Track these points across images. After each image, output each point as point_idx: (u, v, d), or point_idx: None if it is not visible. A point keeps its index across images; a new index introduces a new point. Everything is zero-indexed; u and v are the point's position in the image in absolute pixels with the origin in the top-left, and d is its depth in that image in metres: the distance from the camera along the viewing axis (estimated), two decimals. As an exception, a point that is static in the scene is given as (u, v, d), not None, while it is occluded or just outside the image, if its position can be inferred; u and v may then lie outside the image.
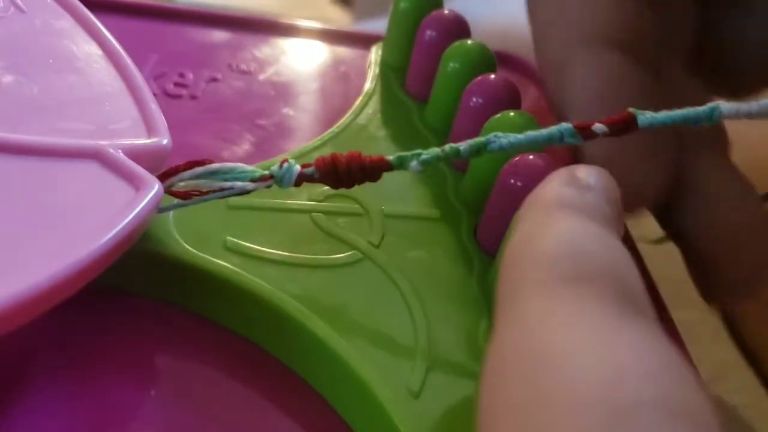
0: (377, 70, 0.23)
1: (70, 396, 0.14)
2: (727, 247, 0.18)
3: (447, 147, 0.15)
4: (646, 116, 0.14)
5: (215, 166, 0.15)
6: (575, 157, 0.22)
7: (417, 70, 0.22)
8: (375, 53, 0.24)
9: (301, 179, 0.15)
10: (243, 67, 0.23)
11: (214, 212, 0.17)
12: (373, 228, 0.17)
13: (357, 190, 0.17)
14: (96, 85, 0.17)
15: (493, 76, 0.19)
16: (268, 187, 0.15)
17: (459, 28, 0.21)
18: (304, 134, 0.21)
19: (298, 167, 0.15)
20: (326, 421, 0.15)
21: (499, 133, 0.15)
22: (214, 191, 0.15)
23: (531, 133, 0.15)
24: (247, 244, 0.16)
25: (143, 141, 0.16)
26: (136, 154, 0.15)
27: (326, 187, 0.18)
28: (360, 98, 0.22)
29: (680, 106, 0.14)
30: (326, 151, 0.19)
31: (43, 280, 0.12)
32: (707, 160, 0.18)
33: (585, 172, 0.13)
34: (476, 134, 0.17)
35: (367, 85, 0.23)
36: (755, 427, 0.24)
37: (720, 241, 0.18)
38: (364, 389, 0.14)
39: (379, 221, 0.17)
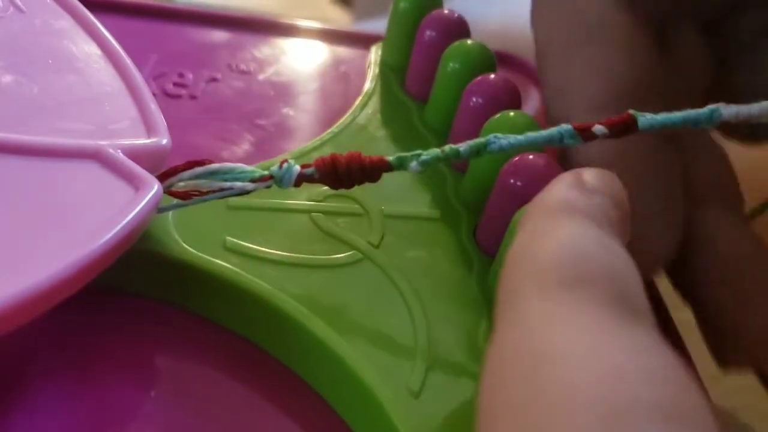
0: (377, 70, 0.23)
1: (70, 396, 0.14)
2: (743, 308, 0.17)
3: (447, 148, 0.15)
4: (646, 118, 0.14)
5: (215, 166, 0.15)
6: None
7: (417, 70, 0.22)
8: (375, 53, 0.24)
9: (300, 179, 0.15)
10: (242, 67, 0.23)
11: (214, 212, 0.17)
12: (372, 228, 0.17)
13: (357, 190, 0.17)
14: (95, 85, 0.17)
15: (492, 76, 0.19)
16: (268, 187, 0.15)
17: (459, 28, 0.21)
18: (304, 134, 0.21)
19: (297, 167, 0.15)
20: (326, 421, 0.15)
21: (499, 134, 0.15)
22: (214, 191, 0.15)
23: (531, 134, 0.15)
24: (247, 244, 0.16)
25: (143, 141, 0.16)
26: (135, 154, 0.15)
27: (326, 187, 0.18)
28: (360, 98, 0.22)
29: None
30: (326, 151, 0.19)
31: (42, 280, 0.12)
32: (719, 215, 0.18)
33: (591, 175, 0.13)
34: (476, 134, 0.17)
35: (367, 85, 0.23)
36: (755, 428, 0.24)
37: (735, 302, 0.17)
38: (364, 389, 0.14)
39: (379, 221, 0.17)
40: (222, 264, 0.16)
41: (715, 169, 0.18)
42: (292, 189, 0.16)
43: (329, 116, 0.22)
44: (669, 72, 0.18)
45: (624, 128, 0.14)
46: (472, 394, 0.14)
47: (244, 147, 0.20)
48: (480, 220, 0.18)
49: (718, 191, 0.18)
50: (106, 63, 0.18)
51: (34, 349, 0.15)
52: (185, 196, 0.15)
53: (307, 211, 0.17)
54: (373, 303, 0.16)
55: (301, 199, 0.18)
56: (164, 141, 0.16)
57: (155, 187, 0.14)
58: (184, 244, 0.16)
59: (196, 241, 0.16)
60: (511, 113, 0.17)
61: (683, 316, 0.18)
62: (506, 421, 0.09)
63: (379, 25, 0.28)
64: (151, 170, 0.15)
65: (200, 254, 0.16)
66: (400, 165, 0.15)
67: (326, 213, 0.17)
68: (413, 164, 0.15)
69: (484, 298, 0.16)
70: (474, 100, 0.19)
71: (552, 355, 0.09)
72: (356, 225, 0.17)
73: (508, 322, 0.10)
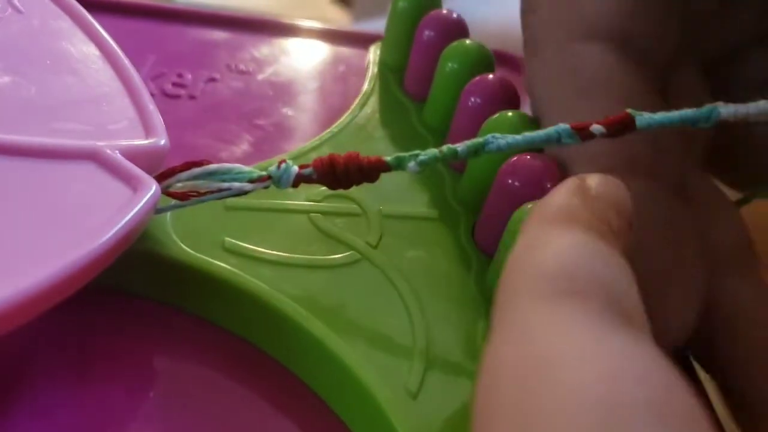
0: (376, 70, 0.23)
1: (69, 395, 0.14)
2: None
3: (444, 148, 0.15)
4: (644, 117, 0.14)
5: (213, 166, 0.15)
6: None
7: (415, 70, 0.22)
8: (373, 53, 0.24)
9: (299, 180, 0.15)
10: (241, 67, 0.23)
11: (212, 213, 0.17)
12: (371, 228, 0.17)
13: (355, 190, 0.17)
14: (93, 85, 0.17)
15: (491, 75, 0.19)
16: (266, 187, 0.15)
17: (457, 28, 0.21)
18: (303, 134, 0.21)
19: (295, 168, 0.15)
20: (324, 421, 0.15)
21: (497, 134, 0.15)
22: (212, 192, 0.15)
23: (528, 134, 0.15)
24: (245, 245, 0.16)
25: (141, 142, 0.16)
26: (133, 155, 0.15)
27: (324, 188, 0.18)
28: (358, 98, 0.22)
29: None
30: (325, 151, 0.19)
31: (41, 281, 0.12)
32: (741, 284, 0.17)
33: (595, 181, 0.13)
34: (474, 134, 0.17)
35: (366, 85, 0.23)
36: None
37: (762, 372, 0.16)
38: (363, 390, 0.14)
39: (377, 221, 0.17)
40: (220, 264, 0.16)
41: (734, 234, 0.17)
42: (291, 189, 0.16)
43: (328, 116, 0.22)
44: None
45: (622, 128, 0.14)
46: (471, 394, 0.14)
47: (243, 147, 0.20)
48: (478, 220, 0.18)
49: (737, 257, 0.17)
50: (104, 63, 0.18)
51: (34, 349, 0.15)
52: (183, 196, 0.15)
53: (306, 212, 0.17)
54: (372, 303, 0.16)
55: (300, 199, 0.18)
56: (162, 141, 0.16)
57: (153, 187, 0.14)
58: (183, 245, 0.16)
59: (195, 241, 0.16)
60: (510, 113, 0.17)
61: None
62: (504, 423, 0.09)
63: (377, 25, 0.28)
64: (149, 171, 0.15)
65: (198, 255, 0.16)
66: (398, 165, 0.15)
67: (324, 213, 0.17)
68: (411, 164, 0.15)
69: (482, 297, 0.16)
70: (472, 99, 0.19)
71: (548, 359, 0.09)
72: (354, 225, 0.17)
73: (504, 327, 0.10)
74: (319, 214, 0.17)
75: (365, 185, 0.15)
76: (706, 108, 0.14)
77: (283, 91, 0.23)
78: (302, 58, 0.24)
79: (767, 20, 0.18)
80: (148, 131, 0.16)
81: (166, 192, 0.15)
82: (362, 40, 0.25)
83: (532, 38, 0.17)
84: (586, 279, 0.10)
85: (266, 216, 0.17)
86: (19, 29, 0.18)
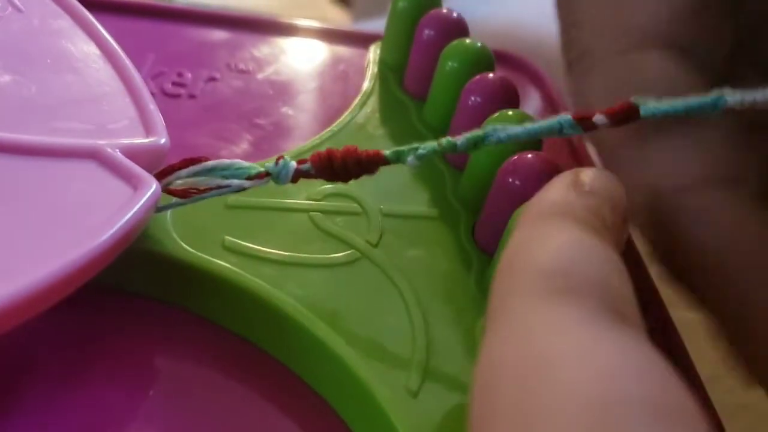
0: (376, 69, 0.23)
1: (69, 396, 0.14)
2: None
3: (443, 141, 0.15)
4: (648, 106, 0.14)
5: (211, 163, 0.15)
6: (574, 156, 0.22)
7: (415, 69, 0.22)
8: (373, 52, 0.24)
9: (297, 175, 0.15)
10: (241, 66, 0.23)
11: (212, 211, 0.17)
12: (371, 227, 0.17)
13: (355, 189, 0.17)
14: (94, 84, 0.17)
15: (491, 75, 0.19)
16: (266, 183, 0.15)
17: (457, 27, 0.21)
18: (303, 133, 0.21)
19: (294, 163, 0.15)
20: (325, 420, 0.15)
21: (498, 126, 0.15)
22: (212, 189, 0.15)
23: (529, 126, 0.14)
24: (245, 244, 0.16)
25: (141, 140, 0.16)
26: (133, 154, 0.15)
27: (325, 186, 0.18)
28: (358, 97, 0.22)
29: None
30: (324, 151, 0.19)
31: (41, 279, 0.12)
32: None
33: (590, 176, 0.13)
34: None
35: (366, 84, 0.23)
36: (755, 428, 0.24)
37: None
38: (363, 389, 0.14)
39: (378, 220, 0.17)
40: (220, 263, 0.16)
41: None
42: (291, 188, 0.16)
43: (328, 115, 0.22)
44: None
45: (625, 117, 0.14)
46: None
47: (243, 146, 0.20)
48: (478, 219, 0.18)
49: None
50: (104, 62, 0.18)
51: (34, 348, 0.15)
52: (183, 194, 0.15)
53: (306, 210, 0.17)
54: (372, 302, 0.16)
55: (300, 198, 0.18)
56: (163, 140, 0.16)
57: (153, 186, 0.14)
58: (183, 244, 0.16)
59: (195, 240, 0.16)
60: (510, 112, 0.17)
61: (683, 316, 0.18)
62: (503, 422, 0.09)
63: (377, 24, 0.28)
64: (149, 170, 0.15)
65: (199, 253, 0.16)
66: (397, 159, 0.15)
67: (325, 212, 0.17)
68: (410, 158, 0.15)
69: (482, 296, 0.16)
70: (472, 99, 0.19)
71: (545, 358, 0.09)
72: (355, 224, 0.17)
73: (499, 327, 0.10)
74: (319, 213, 0.17)
75: (365, 185, 0.15)
76: (712, 96, 0.13)
77: (283, 90, 0.23)
78: (302, 58, 0.24)
79: None
80: (148, 130, 0.16)
81: (166, 190, 0.15)
82: (362, 40, 0.25)
83: (579, 54, 0.17)
84: (580, 276, 0.10)
85: (266, 215, 0.17)
86: (20, 28, 0.18)
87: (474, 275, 0.17)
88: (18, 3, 0.18)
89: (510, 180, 0.16)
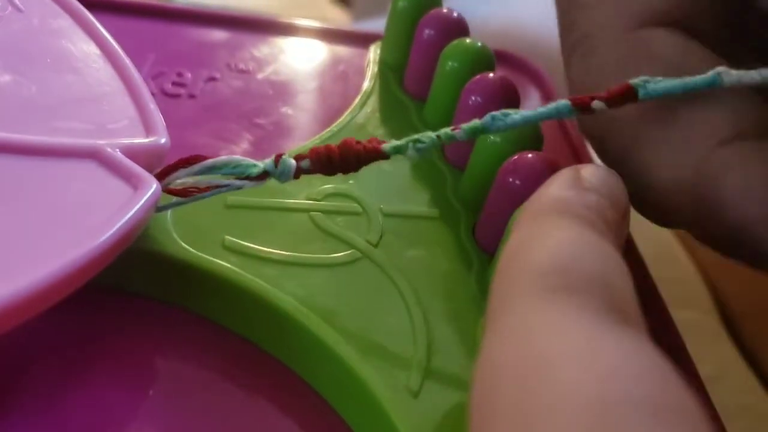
0: (376, 69, 0.23)
1: (69, 396, 0.14)
2: None
3: (442, 132, 0.15)
4: (646, 87, 0.14)
5: (211, 161, 0.15)
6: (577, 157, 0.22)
7: (415, 69, 0.22)
8: (373, 52, 0.24)
9: (298, 172, 0.15)
10: (241, 66, 0.23)
11: (212, 211, 0.17)
12: (371, 227, 0.17)
13: (355, 189, 0.17)
14: (94, 84, 0.17)
15: (491, 74, 0.19)
16: (267, 180, 0.15)
17: (457, 26, 0.21)
18: (303, 133, 0.21)
19: (293, 161, 0.15)
20: (325, 420, 0.15)
21: (496, 114, 0.15)
22: (212, 187, 0.15)
23: (527, 112, 0.14)
24: (246, 243, 0.16)
25: (141, 140, 0.16)
26: (134, 154, 0.15)
27: (325, 186, 0.18)
28: (358, 97, 0.22)
29: None
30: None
31: (41, 279, 0.12)
32: None
33: (590, 173, 0.13)
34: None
35: (366, 84, 0.23)
36: (755, 428, 0.24)
37: None
38: (363, 389, 0.14)
39: (378, 220, 0.17)
40: (221, 263, 0.16)
41: None
42: (291, 188, 0.16)
43: (328, 115, 0.22)
44: None
45: (622, 99, 0.14)
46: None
47: (243, 146, 0.20)
48: (479, 219, 0.18)
49: None
50: (104, 62, 0.18)
51: (34, 348, 0.15)
52: (184, 193, 0.15)
53: (306, 210, 0.17)
54: (373, 302, 0.16)
55: (300, 198, 0.18)
56: (163, 140, 0.16)
57: (154, 186, 0.14)
58: (183, 243, 0.16)
59: (195, 240, 0.16)
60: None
61: (683, 316, 0.18)
62: (504, 422, 0.09)
63: (377, 24, 0.28)
64: (149, 169, 0.15)
65: (199, 253, 0.16)
66: (397, 153, 0.15)
67: (325, 212, 0.17)
68: (410, 151, 0.15)
69: (483, 296, 0.16)
70: (473, 98, 0.19)
71: (545, 358, 0.09)
72: (355, 224, 0.17)
73: (499, 327, 0.10)
74: (319, 213, 0.17)
75: (366, 185, 0.15)
76: (710, 75, 0.13)
77: (283, 90, 0.23)
78: (302, 58, 0.24)
79: None
80: (148, 130, 0.16)
81: (166, 189, 0.15)
82: (362, 40, 0.25)
83: (582, 35, 0.16)
84: (580, 274, 0.10)
85: (267, 214, 0.17)
86: (20, 28, 0.18)
87: (474, 275, 0.17)
88: (18, 3, 0.18)
89: (510, 180, 0.16)
